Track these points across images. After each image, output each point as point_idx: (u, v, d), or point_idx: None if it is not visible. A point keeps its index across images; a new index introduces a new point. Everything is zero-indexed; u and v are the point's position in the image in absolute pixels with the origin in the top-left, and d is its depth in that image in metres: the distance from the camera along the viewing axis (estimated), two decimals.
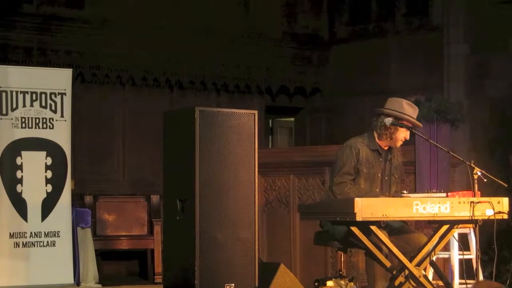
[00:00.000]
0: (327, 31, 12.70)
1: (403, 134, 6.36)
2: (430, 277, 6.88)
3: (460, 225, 6.20)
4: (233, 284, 6.32)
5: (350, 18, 12.59)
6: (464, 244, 7.20)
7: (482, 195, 6.10)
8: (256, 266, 6.45)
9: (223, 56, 11.78)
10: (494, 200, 6.00)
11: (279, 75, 12.36)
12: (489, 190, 6.41)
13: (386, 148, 6.42)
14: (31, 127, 8.51)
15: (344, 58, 12.40)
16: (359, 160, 6.27)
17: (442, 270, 6.70)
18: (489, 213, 5.96)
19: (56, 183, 8.54)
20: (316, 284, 6.22)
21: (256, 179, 6.57)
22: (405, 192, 6.75)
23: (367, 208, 5.68)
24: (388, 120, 6.59)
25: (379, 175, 6.35)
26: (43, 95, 8.57)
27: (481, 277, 6.65)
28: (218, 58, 11.77)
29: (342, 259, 6.38)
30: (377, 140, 6.37)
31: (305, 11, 12.60)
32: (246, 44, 11.95)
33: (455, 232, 6.51)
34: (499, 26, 10.64)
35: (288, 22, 12.49)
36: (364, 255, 6.21)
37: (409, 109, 6.39)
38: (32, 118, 8.52)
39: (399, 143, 6.39)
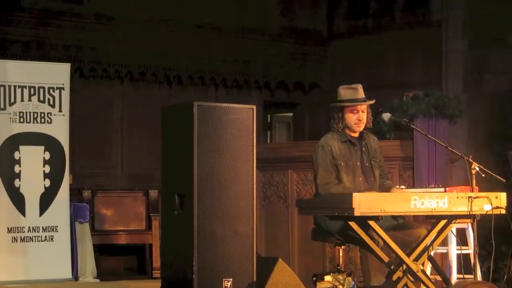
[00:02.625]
0: (326, 26, 12.71)
1: (351, 116, 6.33)
2: (428, 272, 6.88)
3: (458, 220, 6.21)
4: (231, 279, 6.32)
5: (348, 13, 12.59)
6: (462, 239, 7.20)
7: (480, 190, 6.11)
8: (254, 260, 6.45)
9: (222, 51, 11.78)
10: (492, 195, 6.01)
11: (277, 70, 12.37)
12: (487, 185, 6.41)
13: (356, 135, 6.41)
14: (29, 122, 8.50)
15: (342, 53, 12.41)
16: (334, 156, 6.26)
17: (440, 265, 6.71)
18: (487, 208, 5.96)
19: (54, 178, 8.53)
20: (314, 279, 6.22)
21: (255, 174, 6.57)
22: (403, 187, 6.76)
23: (365, 203, 5.69)
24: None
25: (358, 163, 6.34)
26: (42, 90, 8.56)
27: (478, 272, 6.65)
28: (217, 53, 11.77)
29: (340, 254, 6.37)
30: (346, 132, 6.37)
31: (303, 6, 12.60)
32: (245, 39, 11.95)
33: (453, 227, 6.52)
34: (497, 22, 10.64)
35: (286, 17, 12.49)
36: (359, 251, 6.21)
37: (345, 93, 6.36)
38: (30, 112, 8.51)
39: (357, 127, 6.33)
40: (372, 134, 6.57)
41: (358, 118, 6.32)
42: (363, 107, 6.35)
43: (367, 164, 6.37)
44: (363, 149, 6.40)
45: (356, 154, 6.36)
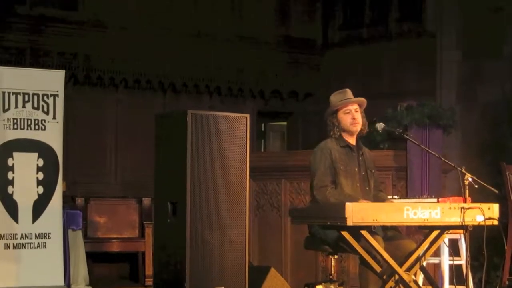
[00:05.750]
0: (321, 35, 12.73)
1: (345, 117, 6.33)
2: (420, 282, 6.88)
3: (451, 231, 6.21)
4: (223, 287, 6.32)
5: (343, 23, 12.63)
6: (454, 249, 7.20)
7: (473, 201, 6.11)
8: (247, 269, 6.45)
9: (217, 59, 11.80)
10: (484, 206, 6.01)
11: (272, 79, 12.39)
12: (480, 196, 6.42)
13: (354, 143, 6.41)
14: (23, 128, 8.47)
15: (337, 62, 12.43)
16: (333, 159, 6.27)
17: (432, 276, 6.71)
18: (479, 219, 5.97)
19: (48, 185, 8.50)
20: None
21: (248, 182, 6.57)
22: (396, 197, 6.77)
23: (358, 212, 5.69)
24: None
25: (356, 169, 6.35)
26: (36, 97, 8.54)
27: (471, 283, 6.65)
28: (212, 61, 11.78)
29: (333, 264, 6.38)
30: (344, 138, 6.39)
31: (298, 15, 12.63)
32: (240, 47, 11.97)
33: (446, 238, 6.52)
34: (491, 32, 10.67)
35: (281, 26, 12.52)
36: (358, 259, 6.21)
37: (336, 98, 6.39)
38: (24, 119, 8.48)
39: (354, 127, 6.33)
40: (365, 147, 6.59)
41: (353, 117, 6.33)
42: (355, 106, 6.37)
43: (363, 173, 6.38)
44: (360, 158, 6.41)
45: (354, 160, 6.36)
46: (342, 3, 12.67)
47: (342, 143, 6.35)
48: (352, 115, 6.34)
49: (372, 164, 6.50)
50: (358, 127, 6.36)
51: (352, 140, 6.40)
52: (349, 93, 6.42)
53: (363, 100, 6.44)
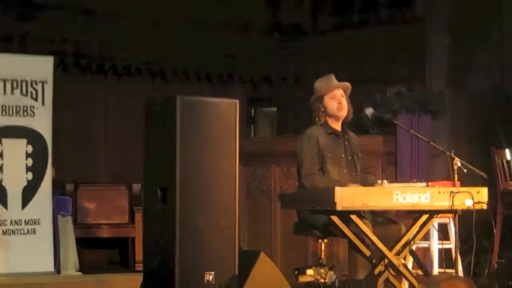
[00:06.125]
0: (310, 21, 12.71)
1: (331, 102, 6.36)
2: (410, 266, 6.91)
3: (440, 215, 6.24)
4: (213, 272, 6.31)
5: (333, 8, 12.60)
6: (443, 233, 7.23)
7: (462, 186, 6.13)
8: (236, 254, 6.45)
9: (206, 45, 11.76)
10: (473, 190, 6.04)
11: (262, 65, 12.37)
12: (469, 180, 6.44)
13: (340, 129, 6.43)
14: (12, 115, 8.45)
15: (326, 48, 12.40)
16: (320, 147, 6.28)
17: (421, 260, 6.74)
18: (468, 203, 6.00)
19: (37, 171, 8.49)
20: (296, 272, 6.24)
21: (237, 168, 6.56)
22: (385, 181, 6.79)
23: (348, 197, 5.71)
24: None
25: (343, 155, 6.37)
26: (24, 83, 8.52)
27: (460, 267, 6.68)
28: (201, 48, 11.75)
29: (323, 248, 6.39)
30: (329, 124, 6.39)
31: (288, 1, 12.61)
32: (229, 33, 11.95)
33: (435, 222, 6.55)
34: (481, 19, 10.67)
35: (271, 12, 12.49)
36: (348, 243, 6.23)
37: (321, 84, 6.43)
38: (13, 106, 8.46)
39: (340, 111, 6.37)
40: (351, 131, 6.60)
41: (339, 102, 6.36)
42: (340, 91, 6.40)
43: (349, 158, 6.40)
44: (346, 143, 6.43)
45: (341, 146, 6.38)
46: None
47: (328, 130, 6.37)
48: (338, 99, 6.36)
49: (359, 148, 6.51)
50: (344, 112, 6.38)
51: (337, 126, 6.42)
52: (333, 78, 6.44)
53: (348, 84, 6.46)
